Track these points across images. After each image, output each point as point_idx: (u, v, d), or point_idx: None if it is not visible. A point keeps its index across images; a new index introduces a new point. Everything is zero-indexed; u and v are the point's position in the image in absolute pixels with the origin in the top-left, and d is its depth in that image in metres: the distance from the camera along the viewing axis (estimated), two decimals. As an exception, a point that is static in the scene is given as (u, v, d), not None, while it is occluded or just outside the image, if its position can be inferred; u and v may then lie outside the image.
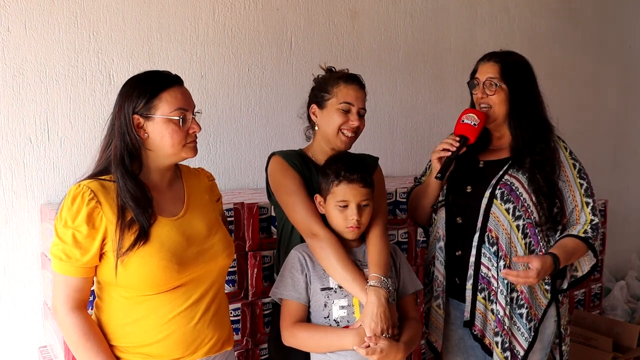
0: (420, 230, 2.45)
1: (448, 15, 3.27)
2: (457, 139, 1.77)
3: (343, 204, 1.61)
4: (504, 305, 1.78)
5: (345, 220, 1.61)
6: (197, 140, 1.46)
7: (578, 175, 1.83)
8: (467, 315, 1.83)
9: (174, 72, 1.46)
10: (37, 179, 2.13)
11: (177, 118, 1.39)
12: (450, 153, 1.76)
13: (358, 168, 1.62)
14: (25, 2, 2.08)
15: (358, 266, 1.62)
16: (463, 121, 1.79)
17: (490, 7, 3.46)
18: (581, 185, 1.82)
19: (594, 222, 1.79)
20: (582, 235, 1.78)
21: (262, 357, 2.08)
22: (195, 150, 1.45)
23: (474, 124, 1.77)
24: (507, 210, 1.78)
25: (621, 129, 4.36)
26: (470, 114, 1.79)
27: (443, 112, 3.24)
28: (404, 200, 2.42)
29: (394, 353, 1.53)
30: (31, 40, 2.09)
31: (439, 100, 3.25)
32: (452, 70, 3.28)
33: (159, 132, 1.39)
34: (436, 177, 1.77)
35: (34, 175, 2.13)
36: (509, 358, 1.78)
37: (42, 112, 2.13)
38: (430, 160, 1.98)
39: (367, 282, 1.56)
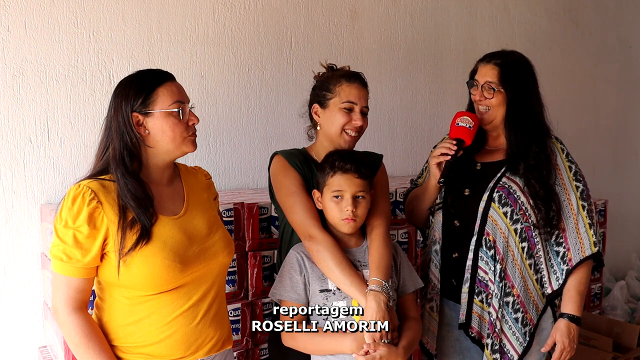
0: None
1: (448, 15, 3.27)
2: (454, 142, 1.75)
3: (337, 194, 1.60)
4: (497, 308, 1.78)
5: (340, 212, 1.60)
6: (196, 134, 1.47)
7: (574, 178, 1.82)
8: (462, 317, 1.83)
9: (173, 72, 1.47)
10: (37, 179, 2.13)
11: (176, 110, 1.40)
12: (449, 157, 1.74)
13: (353, 159, 1.62)
14: (25, 2, 2.08)
15: (357, 267, 1.62)
16: (458, 124, 1.78)
17: (490, 7, 3.46)
18: (577, 187, 1.81)
19: (594, 229, 1.79)
20: (595, 250, 1.77)
21: (262, 357, 2.07)
22: (195, 145, 1.46)
23: (469, 127, 1.77)
24: (505, 213, 1.78)
25: (621, 129, 4.36)
26: (465, 117, 1.78)
27: (443, 112, 3.24)
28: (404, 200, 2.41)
29: (393, 358, 1.53)
30: (31, 40, 2.09)
31: (439, 100, 3.25)
32: (452, 70, 3.28)
33: (159, 127, 1.39)
34: (440, 183, 1.76)
35: (34, 175, 2.13)
36: (499, 359, 1.79)
37: (42, 112, 2.13)
38: (426, 163, 1.98)
39: (367, 286, 1.55)
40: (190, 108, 1.46)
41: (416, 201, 1.95)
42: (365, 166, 1.64)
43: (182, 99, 1.42)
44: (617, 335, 3.02)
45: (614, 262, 4.07)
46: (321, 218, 1.67)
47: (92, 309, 1.48)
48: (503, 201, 1.78)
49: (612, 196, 3.55)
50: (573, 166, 1.84)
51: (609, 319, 3.21)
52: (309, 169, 1.74)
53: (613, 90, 4.26)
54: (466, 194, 1.85)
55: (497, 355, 1.79)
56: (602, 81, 4.15)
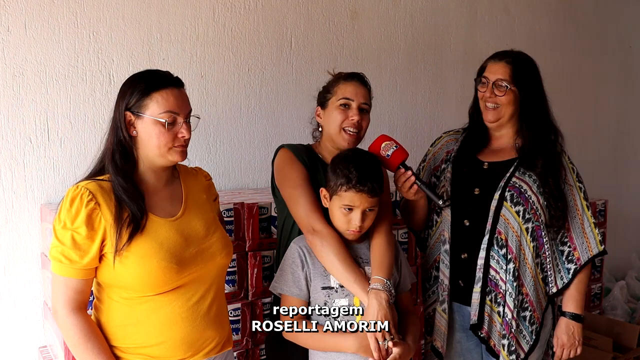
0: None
1: (448, 15, 3.27)
2: (402, 169, 1.70)
3: (348, 207, 1.58)
4: (512, 308, 1.77)
5: (348, 224, 1.59)
6: (187, 145, 1.43)
7: (577, 179, 1.85)
8: (474, 318, 1.80)
9: (174, 72, 1.45)
10: (37, 179, 2.13)
11: (164, 121, 1.37)
12: (415, 181, 1.69)
13: (370, 177, 1.57)
14: (25, 2, 2.08)
15: (359, 263, 1.61)
16: (388, 155, 1.68)
17: (490, 7, 3.45)
18: (580, 188, 1.84)
19: (598, 228, 1.84)
20: (601, 249, 1.82)
21: (262, 357, 2.07)
22: (183, 155, 1.43)
23: (396, 147, 1.69)
24: (518, 212, 1.78)
25: (621, 129, 4.36)
26: (385, 143, 1.69)
27: (443, 112, 3.24)
28: (404, 200, 2.41)
29: (406, 354, 1.54)
30: (31, 40, 2.09)
31: (439, 100, 3.25)
32: (452, 70, 3.27)
33: (146, 131, 1.38)
34: (445, 206, 1.80)
35: (34, 175, 2.13)
36: None
37: (42, 112, 2.13)
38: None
39: (369, 284, 1.55)
40: (195, 117, 1.44)
41: (410, 209, 1.93)
42: (380, 184, 1.59)
43: (176, 110, 1.38)
44: (617, 335, 3.02)
45: (614, 262, 4.06)
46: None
47: (91, 309, 1.48)
48: (515, 200, 1.78)
49: (612, 196, 3.55)
50: (575, 167, 1.86)
51: (609, 319, 3.21)
52: (314, 165, 1.73)
53: (613, 90, 4.26)
54: (476, 193, 1.84)
55: (514, 357, 1.77)
56: (602, 81, 4.15)
